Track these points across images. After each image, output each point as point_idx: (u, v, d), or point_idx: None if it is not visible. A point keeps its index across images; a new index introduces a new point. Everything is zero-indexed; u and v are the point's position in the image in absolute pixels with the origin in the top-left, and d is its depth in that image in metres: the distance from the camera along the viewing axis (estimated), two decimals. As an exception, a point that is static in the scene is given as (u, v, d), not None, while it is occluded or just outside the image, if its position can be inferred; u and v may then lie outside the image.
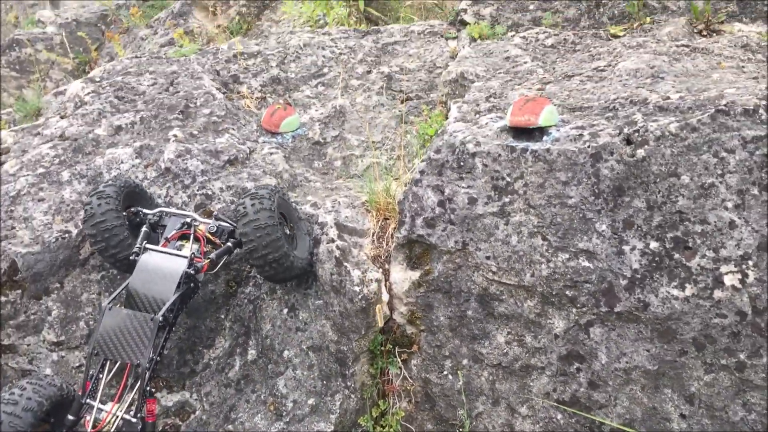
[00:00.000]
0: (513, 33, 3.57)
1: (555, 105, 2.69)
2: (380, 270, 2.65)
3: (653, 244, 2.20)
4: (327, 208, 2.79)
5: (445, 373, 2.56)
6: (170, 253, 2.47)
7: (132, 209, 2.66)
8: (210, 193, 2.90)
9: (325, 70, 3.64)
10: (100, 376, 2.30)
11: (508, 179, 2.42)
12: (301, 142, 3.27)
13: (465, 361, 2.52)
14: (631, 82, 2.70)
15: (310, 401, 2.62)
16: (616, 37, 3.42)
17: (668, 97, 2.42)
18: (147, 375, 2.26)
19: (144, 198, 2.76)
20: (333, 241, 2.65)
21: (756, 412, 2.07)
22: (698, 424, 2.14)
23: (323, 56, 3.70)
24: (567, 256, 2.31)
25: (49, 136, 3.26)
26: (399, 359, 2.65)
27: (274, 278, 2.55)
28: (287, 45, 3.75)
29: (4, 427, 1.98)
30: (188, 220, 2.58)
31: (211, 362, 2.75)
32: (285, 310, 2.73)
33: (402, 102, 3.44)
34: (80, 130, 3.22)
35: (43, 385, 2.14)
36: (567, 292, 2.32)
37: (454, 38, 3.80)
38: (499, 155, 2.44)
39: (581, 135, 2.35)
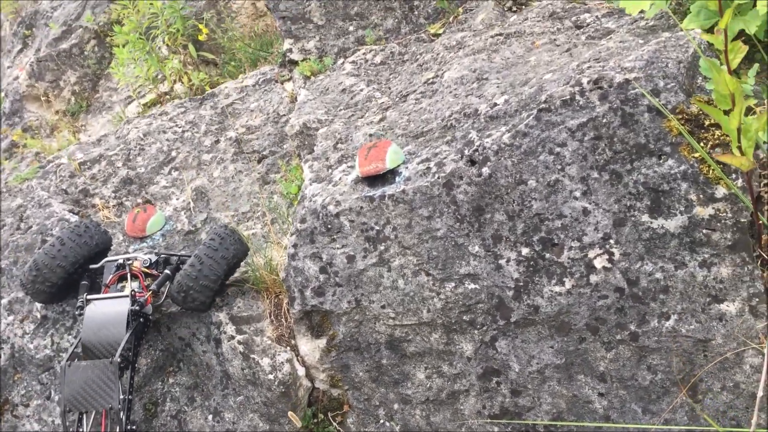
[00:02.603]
0: (342, 60, 3.59)
1: (398, 134, 2.75)
2: (288, 348, 2.67)
3: (525, 251, 2.31)
4: (217, 304, 2.76)
5: (382, 421, 2.62)
6: (111, 297, 2.58)
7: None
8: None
9: (174, 153, 3.57)
10: (80, 430, 2.41)
11: (377, 228, 2.47)
12: (173, 237, 3.21)
13: (396, 406, 2.58)
14: (460, 91, 2.78)
15: (265, 496, 2.63)
16: (437, 35, 3.51)
17: (495, 104, 2.51)
18: (123, 415, 2.38)
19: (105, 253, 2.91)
20: (233, 337, 2.64)
21: (661, 372, 2.23)
22: (616, 397, 2.28)
23: (167, 140, 3.62)
24: (453, 284, 2.39)
25: None
26: (335, 423, 2.69)
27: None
28: (127, 140, 3.65)
29: None
30: (120, 260, 2.70)
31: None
32: (210, 417, 2.71)
33: (258, 162, 3.43)
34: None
35: None
36: (464, 317, 2.40)
37: (289, 79, 3.79)
38: (362, 208, 2.48)
39: (429, 168, 2.42)
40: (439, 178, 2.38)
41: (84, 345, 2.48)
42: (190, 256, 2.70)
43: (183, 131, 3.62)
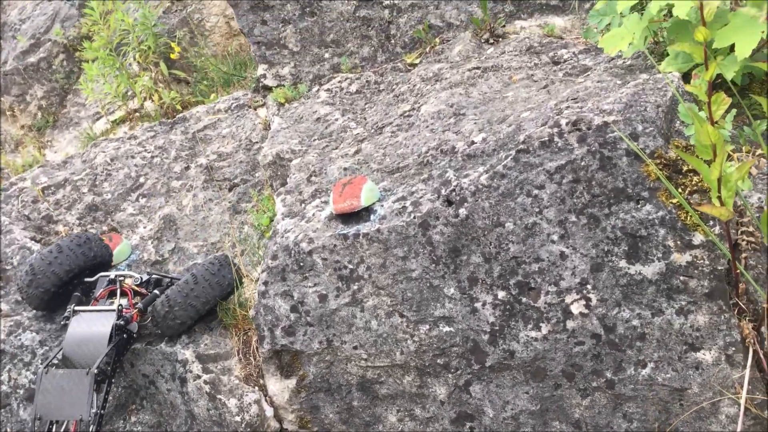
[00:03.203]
0: (317, 87, 3.54)
1: (374, 169, 2.70)
2: (256, 388, 2.59)
3: (501, 294, 2.27)
4: (183, 341, 2.67)
5: (352, 464, 2.55)
6: (98, 310, 2.59)
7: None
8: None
9: (142, 179, 3.47)
10: None
11: (351, 266, 2.41)
12: (139, 267, 3.11)
13: (367, 449, 2.51)
14: (437, 126, 2.74)
15: None
16: (413, 65, 3.47)
17: (473, 141, 2.48)
18: (93, 428, 2.34)
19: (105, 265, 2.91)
20: (199, 376, 2.55)
21: (636, 420, 2.19)
22: (591, 444, 2.25)
23: (135, 165, 3.52)
24: (427, 326, 2.34)
25: None
26: (304, 465, 2.61)
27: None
28: (94, 164, 3.54)
29: None
30: (112, 276, 2.74)
31: None
32: (175, 459, 2.61)
33: (229, 190, 3.35)
34: None
35: None
36: (438, 360, 2.35)
37: (263, 105, 3.72)
38: (335, 246, 2.42)
39: (405, 207, 2.37)
40: (415, 217, 2.33)
41: (64, 355, 2.48)
42: (179, 279, 2.74)
43: (152, 156, 3.53)
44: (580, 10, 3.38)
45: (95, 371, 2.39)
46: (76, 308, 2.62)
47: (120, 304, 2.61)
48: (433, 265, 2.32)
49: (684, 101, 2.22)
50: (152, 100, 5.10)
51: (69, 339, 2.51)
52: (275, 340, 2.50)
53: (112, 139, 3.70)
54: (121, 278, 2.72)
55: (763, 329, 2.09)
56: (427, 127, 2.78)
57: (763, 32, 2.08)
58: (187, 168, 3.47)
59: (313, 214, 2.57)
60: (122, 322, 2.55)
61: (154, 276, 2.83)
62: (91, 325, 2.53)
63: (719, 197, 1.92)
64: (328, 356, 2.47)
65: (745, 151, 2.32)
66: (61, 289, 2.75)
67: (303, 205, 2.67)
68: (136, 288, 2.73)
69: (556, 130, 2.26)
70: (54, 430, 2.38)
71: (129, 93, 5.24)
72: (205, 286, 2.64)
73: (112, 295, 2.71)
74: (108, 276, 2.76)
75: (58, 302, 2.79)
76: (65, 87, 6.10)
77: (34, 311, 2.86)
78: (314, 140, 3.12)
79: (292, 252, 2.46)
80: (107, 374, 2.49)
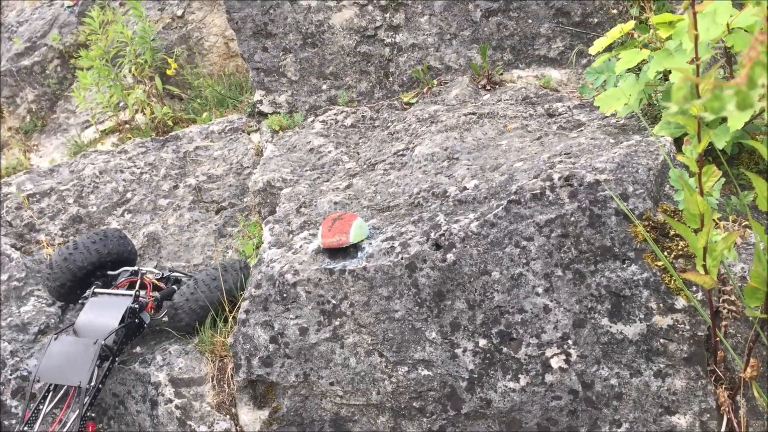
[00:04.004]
0: (312, 118, 3.56)
1: (364, 205, 2.71)
2: (227, 416, 2.55)
3: (482, 342, 2.27)
4: (158, 363, 2.64)
5: (318, 502, 2.51)
6: (116, 294, 2.74)
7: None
8: (26, 374, 2.66)
9: (129, 195, 3.45)
10: (40, 407, 2.45)
11: (334, 302, 2.40)
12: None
13: (334, 488, 2.48)
14: (430, 168, 2.77)
15: None
16: (410, 104, 3.51)
17: (465, 187, 2.50)
18: (87, 399, 2.38)
19: (128, 261, 3.03)
20: (171, 401, 2.51)
21: (607, 479, 2.19)
22: (561, 500, 2.23)
23: (123, 180, 3.50)
24: (406, 368, 2.33)
25: None
26: (269, 499, 2.57)
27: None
28: (82, 176, 3.51)
29: None
30: (135, 269, 2.90)
31: None
32: (137, 483, 2.56)
33: (216, 213, 3.33)
34: None
35: None
36: (414, 404, 2.34)
37: (256, 131, 3.73)
38: (320, 280, 2.41)
39: (393, 247, 2.37)
40: (402, 258, 2.33)
41: (74, 329, 2.59)
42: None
43: (141, 172, 3.51)
44: (577, 65, 3.45)
45: (102, 342, 2.46)
46: (96, 290, 2.76)
47: (137, 291, 2.74)
48: (417, 307, 2.32)
49: (675, 167, 2.26)
50: (144, 114, 5.09)
51: (83, 315, 2.63)
52: (251, 369, 2.47)
53: (103, 151, 3.68)
54: (143, 272, 2.88)
55: (738, 398, 2.11)
56: (420, 168, 2.80)
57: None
58: (176, 187, 3.45)
59: (300, 246, 2.56)
60: (136, 306, 2.67)
61: (174, 274, 2.96)
62: (107, 305, 2.66)
63: (704, 265, 1.94)
64: (303, 390, 2.45)
65: (732, 219, 2.36)
66: (78, 282, 2.87)
67: (291, 235, 2.67)
68: (156, 282, 2.87)
69: (548, 183, 2.29)
70: (49, 398, 2.46)
71: (121, 104, 5.23)
72: (204, 290, 2.72)
73: (132, 286, 2.84)
74: (130, 270, 2.91)
75: (76, 294, 2.91)
76: (57, 92, 6.08)
77: (9, 318, 2.84)
78: (306, 171, 3.13)
79: (277, 282, 2.45)
80: (112, 352, 2.56)
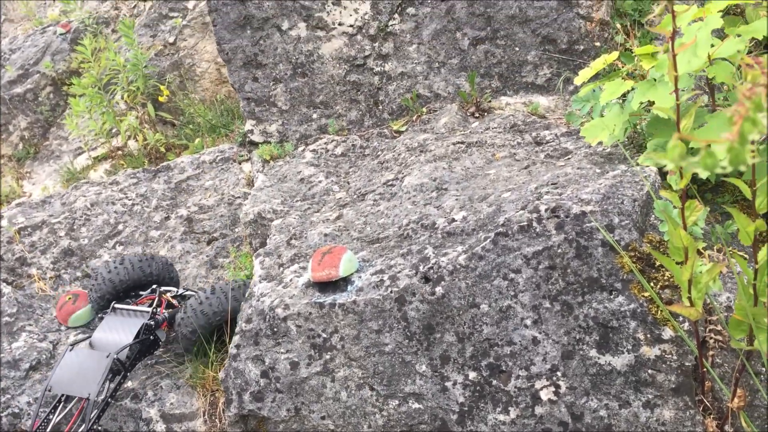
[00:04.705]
0: (303, 147, 3.58)
1: (354, 237, 2.73)
2: (220, 451, 2.55)
3: (472, 375, 2.28)
4: (149, 399, 2.64)
5: None
6: (134, 310, 2.81)
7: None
8: (17, 411, 2.66)
9: (120, 227, 3.46)
10: (50, 416, 2.47)
11: (324, 335, 2.41)
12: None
13: None
14: (419, 199, 2.79)
15: None
16: (399, 132, 3.54)
17: (454, 219, 2.52)
18: (95, 412, 2.40)
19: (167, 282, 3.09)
20: (163, 437, 2.51)
21: None
22: None
23: (115, 212, 3.51)
24: (397, 402, 2.34)
25: None
26: None
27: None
28: (73, 208, 3.52)
29: None
30: (154, 286, 2.97)
31: None
32: None
33: (208, 244, 3.35)
34: None
35: None
36: (406, 437, 2.34)
37: (247, 160, 3.75)
38: (310, 313, 2.42)
39: (382, 281, 2.39)
40: (391, 292, 2.34)
41: (92, 341, 2.65)
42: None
43: (133, 204, 3.52)
44: (564, 92, 3.49)
45: (115, 356, 2.49)
46: (116, 306, 2.82)
47: (155, 307, 2.80)
48: (407, 340, 2.33)
49: (659, 198, 2.29)
50: (136, 140, 5.11)
51: (100, 329, 2.69)
52: (243, 404, 2.48)
53: (94, 182, 3.69)
54: (163, 291, 2.94)
55: (727, 428, 2.12)
56: (410, 198, 2.82)
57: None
58: (167, 218, 3.47)
59: (291, 280, 2.57)
60: (152, 323, 2.70)
61: (188, 292, 3.01)
62: (124, 321, 2.72)
63: (689, 297, 1.96)
64: (295, 424, 2.45)
65: (716, 248, 2.38)
66: (117, 296, 2.94)
67: (281, 269, 2.68)
68: (171, 299, 2.92)
69: (535, 215, 2.31)
70: (59, 409, 2.48)
71: (113, 131, 5.25)
72: (192, 315, 2.72)
73: (151, 304, 2.89)
74: (154, 288, 2.98)
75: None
76: (50, 119, 6.10)
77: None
78: (297, 201, 3.15)
79: (267, 317, 2.46)
80: (125, 366, 2.58)
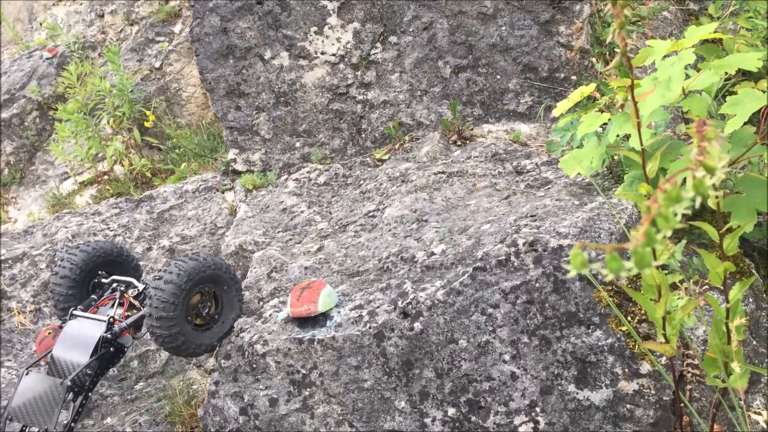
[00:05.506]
0: (286, 176, 3.59)
1: (334, 270, 2.73)
2: (200, 489, 2.53)
3: (451, 411, 2.27)
4: (129, 436, 2.62)
5: None
6: (92, 318, 2.65)
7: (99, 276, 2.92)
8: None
9: (102, 258, 3.44)
10: None
11: (304, 371, 2.40)
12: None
13: None
14: (400, 231, 2.79)
15: None
16: (382, 161, 3.55)
17: (433, 252, 2.52)
18: None
19: (124, 265, 2.98)
20: (141, 475, 2.49)
21: None
22: None
23: (96, 243, 3.50)
24: (376, 438, 2.33)
25: None
26: None
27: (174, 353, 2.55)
28: (54, 239, 3.51)
29: None
30: (119, 283, 2.83)
31: None
32: None
33: (190, 274, 3.33)
34: None
35: None
36: (385, 474, 2.33)
37: (230, 189, 3.76)
38: (289, 349, 2.41)
39: (361, 316, 2.38)
40: (370, 327, 2.34)
41: (51, 358, 2.55)
42: None
43: (114, 235, 3.51)
44: (545, 119, 3.51)
45: (68, 383, 2.42)
46: (75, 312, 2.69)
47: (112, 317, 2.63)
48: (386, 376, 2.33)
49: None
50: (122, 165, 5.11)
51: (59, 344, 2.58)
52: (222, 441, 2.46)
53: (76, 212, 3.68)
54: (123, 287, 2.78)
55: (705, 463, 2.12)
56: (390, 230, 2.83)
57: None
58: (149, 249, 3.46)
59: (270, 315, 2.57)
60: (109, 336, 2.57)
61: (149, 289, 2.69)
62: (81, 333, 2.59)
63: (664, 334, 1.97)
64: (274, 462, 2.44)
65: (693, 280, 2.39)
66: (81, 288, 2.84)
67: (261, 303, 2.67)
68: (132, 300, 2.77)
69: (513, 249, 2.32)
70: None
71: (99, 155, 5.24)
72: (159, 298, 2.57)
73: (113, 305, 2.77)
74: (118, 281, 2.86)
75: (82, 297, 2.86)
76: (36, 144, 6.09)
77: None
78: (278, 232, 3.15)
79: (246, 353, 2.45)
80: (84, 386, 2.51)
